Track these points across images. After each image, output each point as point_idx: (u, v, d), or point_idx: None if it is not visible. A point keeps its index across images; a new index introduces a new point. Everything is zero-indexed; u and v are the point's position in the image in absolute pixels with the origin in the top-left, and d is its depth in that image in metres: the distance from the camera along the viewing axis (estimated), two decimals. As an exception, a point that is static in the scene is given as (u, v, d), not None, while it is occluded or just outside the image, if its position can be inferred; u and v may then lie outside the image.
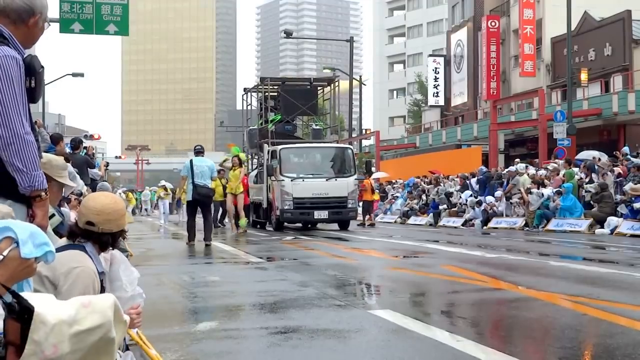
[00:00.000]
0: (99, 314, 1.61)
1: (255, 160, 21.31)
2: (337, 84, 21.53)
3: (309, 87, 21.70)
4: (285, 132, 20.29)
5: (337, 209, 17.34)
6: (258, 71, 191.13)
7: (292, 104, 20.27)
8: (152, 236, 18.10)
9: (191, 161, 13.09)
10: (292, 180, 17.12)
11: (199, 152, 13.61)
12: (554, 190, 17.33)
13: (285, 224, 18.12)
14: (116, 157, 75.86)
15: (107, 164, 14.67)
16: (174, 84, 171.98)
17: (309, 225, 18.75)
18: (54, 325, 1.52)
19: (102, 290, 2.99)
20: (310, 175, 17.50)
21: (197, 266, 9.56)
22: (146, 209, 40.57)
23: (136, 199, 40.60)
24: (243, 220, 16.69)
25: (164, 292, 6.62)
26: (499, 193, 19.51)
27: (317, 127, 21.19)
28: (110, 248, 3.12)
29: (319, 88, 21.74)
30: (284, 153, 17.59)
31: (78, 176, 8.75)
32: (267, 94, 20.96)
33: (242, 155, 18.19)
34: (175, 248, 13.06)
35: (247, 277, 8.04)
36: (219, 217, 19.65)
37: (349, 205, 17.56)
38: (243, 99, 23.04)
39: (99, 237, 3.03)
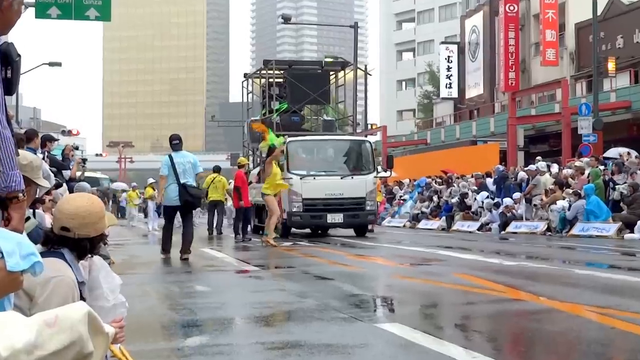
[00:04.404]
0: (67, 332, 1.58)
1: (257, 156, 20.92)
2: (351, 68, 21.18)
3: (319, 71, 21.28)
4: (292, 124, 19.80)
5: (354, 212, 16.74)
6: (253, 60, 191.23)
7: (300, 91, 19.80)
8: (136, 242, 18.10)
9: (170, 157, 11.80)
10: (301, 179, 16.56)
11: (176, 144, 11.90)
12: (572, 191, 17.32)
13: (293, 229, 17.67)
14: (96, 154, 75.84)
15: (84, 161, 13.36)
16: (161, 74, 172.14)
17: (319, 231, 18.40)
18: (7, 358, 1.50)
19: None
20: (323, 173, 16.99)
21: (185, 275, 9.56)
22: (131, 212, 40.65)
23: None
24: (271, 231, 14.44)
25: (149, 304, 6.62)
26: (518, 194, 19.51)
27: (330, 117, 20.86)
28: (90, 255, 3.11)
29: (331, 73, 21.25)
30: (292, 147, 16.95)
31: (52, 175, 8.72)
32: (271, 79, 20.56)
33: (280, 140, 15.41)
34: (161, 256, 13.03)
35: (240, 287, 8.05)
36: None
37: (368, 207, 16.94)
38: (243, 87, 22.74)
39: (76, 244, 3.01)
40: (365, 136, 39.94)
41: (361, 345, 4.53)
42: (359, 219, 17.03)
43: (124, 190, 38.21)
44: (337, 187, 16.75)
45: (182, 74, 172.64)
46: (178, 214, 12.12)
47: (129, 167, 79.73)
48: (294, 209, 16.57)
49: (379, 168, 19.57)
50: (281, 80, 20.86)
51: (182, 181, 11.53)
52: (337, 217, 16.69)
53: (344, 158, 18.06)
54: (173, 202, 11.71)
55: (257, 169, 19.80)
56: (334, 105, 21.79)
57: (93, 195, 3.32)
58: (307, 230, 18.61)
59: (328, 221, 16.78)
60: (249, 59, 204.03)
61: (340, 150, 18.27)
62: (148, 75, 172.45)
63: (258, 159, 20.73)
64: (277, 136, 15.99)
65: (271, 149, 14.80)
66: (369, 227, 18.57)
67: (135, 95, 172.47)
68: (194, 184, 11.83)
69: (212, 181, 19.94)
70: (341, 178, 16.88)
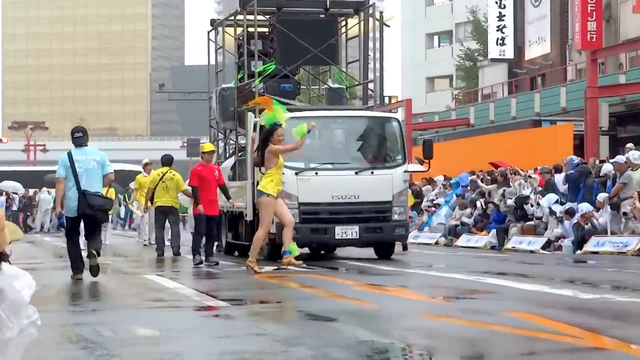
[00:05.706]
0: None
1: (231, 142, 20.97)
2: (372, 11, 20.97)
3: (322, 17, 21.15)
4: (282, 94, 19.65)
5: (375, 223, 16.75)
6: (219, 4, 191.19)
7: (294, 46, 19.56)
8: (50, 265, 18.08)
9: (70, 154, 13.03)
10: (297, 174, 16.46)
11: (78, 138, 13.36)
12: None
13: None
14: (-7, 140, 75.95)
15: None
16: (85, 24, 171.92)
17: (322, 252, 18.41)
18: None
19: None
20: (329, 166, 17.00)
21: (122, 312, 9.57)
22: (43, 223, 41.23)
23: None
24: (293, 246, 14.30)
25: (71, 354, 6.62)
26: (601, 196, 19.53)
27: (338, 85, 20.79)
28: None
29: (340, 19, 21.17)
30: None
31: None
32: (251, 29, 20.38)
33: (284, 124, 14.90)
34: (87, 284, 13.08)
35: (201, 331, 8.06)
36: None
37: (395, 217, 16.81)
38: (209, 40, 22.80)
39: None
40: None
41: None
42: (382, 233, 16.94)
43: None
44: (350, 187, 16.71)
45: (117, 24, 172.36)
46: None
47: (40, 158, 79.71)
48: None
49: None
50: (266, 30, 20.82)
51: (82, 187, 12.70)
52: (351, 231, 16.58)
53: (358, 143, 18.08)
54: (73, 213, 13.00)
55: (231, 160, 19.77)
56: (343, 67, 21.62)
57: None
58: (304, 250, 18.56)
59: (337, 236, 16.67)
60: (214, 2, 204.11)
61: (355, 132, 18.23)
62: (67, 27, 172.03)
63: (232, 147, 20.68)
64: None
65: (271, 129, 14.18)
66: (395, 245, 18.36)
67: (49, 55, 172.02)
68: (101, 190, 13.01)
69: (160, 178, 19.81)
70: (356, 173, 16.84)
